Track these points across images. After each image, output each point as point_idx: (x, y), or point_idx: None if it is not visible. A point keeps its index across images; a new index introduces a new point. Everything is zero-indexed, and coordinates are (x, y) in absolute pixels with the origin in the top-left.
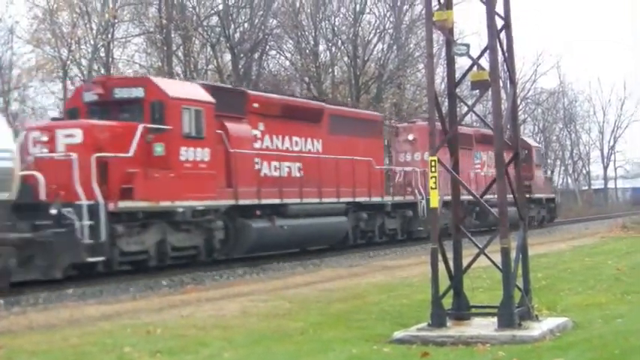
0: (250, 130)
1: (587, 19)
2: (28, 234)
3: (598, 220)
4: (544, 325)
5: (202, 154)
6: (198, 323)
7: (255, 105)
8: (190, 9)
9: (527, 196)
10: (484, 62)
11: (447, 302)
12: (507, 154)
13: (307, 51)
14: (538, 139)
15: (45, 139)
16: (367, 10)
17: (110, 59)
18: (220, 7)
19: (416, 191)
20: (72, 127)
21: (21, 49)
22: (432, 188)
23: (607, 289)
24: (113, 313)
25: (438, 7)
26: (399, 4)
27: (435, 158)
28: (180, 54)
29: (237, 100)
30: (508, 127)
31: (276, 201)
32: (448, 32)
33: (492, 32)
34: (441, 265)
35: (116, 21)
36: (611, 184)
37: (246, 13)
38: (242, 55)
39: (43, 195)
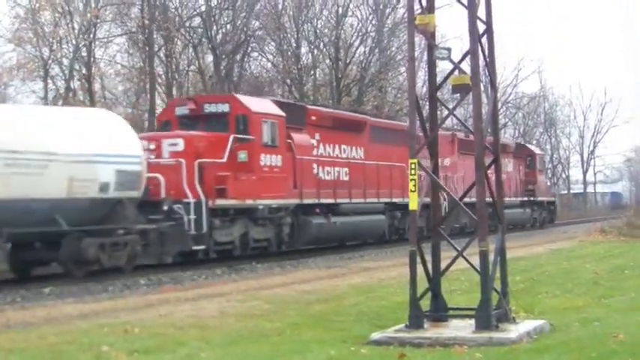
0: (309, 140)
1: (571, 24)
2: (149, 225)
3: (577, 224)
4: (521, 327)
5: (276, 160)
6: (176, 323)
7: (313, 118)
8: (173, 10)
9: (532, 199)
10: (466, 66)
11: (425, 304)
12: (518, 161)
13: (289, 53)
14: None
15: (152, 147)
16: (349, 13)
17: (92, 59)
18: (203, 8)
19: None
20: (175, 137)
21: (2, 47)
22: (411, 191)
23: (585, 292)
24: (90, 312)
25: (420, 10)
26: (381, 7)
27: (415, 161)
28: (162, 55)
29: (299, 113)
30: (489, 130)
31: (331, 201)
32: (430, 36)
33: (474, 37)
34: (420, 268)
35: (98, 21)
36: (590, 189)
37: (229, 14)
38: (224, 57)
39: (163, 193)
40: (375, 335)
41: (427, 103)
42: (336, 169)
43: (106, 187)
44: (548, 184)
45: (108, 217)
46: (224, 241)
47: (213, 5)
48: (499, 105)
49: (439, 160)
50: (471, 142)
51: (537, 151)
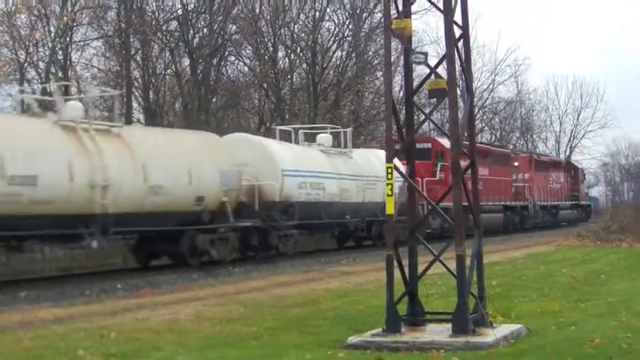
0: (465, 163)
1: (550, 27)
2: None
3: (553, 229)
4: (498, 331)
5: None
6: (152, 327)
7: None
8: (149, 13)
9: (576, 202)
10: (442, 71)
11: (402, 308)
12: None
13: (266, 57)
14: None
15: None
16: (326, 18)
17: (68, 62)
18: (179, 12)
19: (528, 198)
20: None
21: None
22: (388, 195)
23: (561, 296)
24: (66, 317)
25: (396, 15)
26: (358, 12)
27: (392, 165)
28: (138, 58)
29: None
30: (465, 134)
31: None
32: (406, 40)
33: (450, 42)
34: (397, 272)
35: (75, 24)
36: None
37: (206, 18)
38: (201, 61)
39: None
40: (352, 339)
41: (404, 108)
42: None
43: None
44: (585, 191)
45: None
46: (433, 228)
47: (190, 9)
48: (475, 110)
49: (522, 175)
50: (542, 162)
51: (579, 166)
